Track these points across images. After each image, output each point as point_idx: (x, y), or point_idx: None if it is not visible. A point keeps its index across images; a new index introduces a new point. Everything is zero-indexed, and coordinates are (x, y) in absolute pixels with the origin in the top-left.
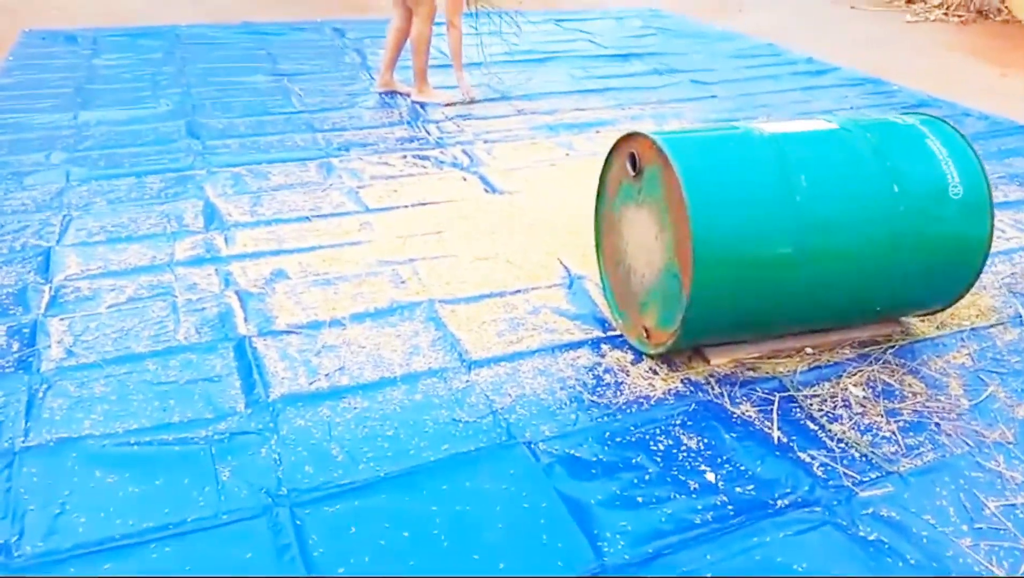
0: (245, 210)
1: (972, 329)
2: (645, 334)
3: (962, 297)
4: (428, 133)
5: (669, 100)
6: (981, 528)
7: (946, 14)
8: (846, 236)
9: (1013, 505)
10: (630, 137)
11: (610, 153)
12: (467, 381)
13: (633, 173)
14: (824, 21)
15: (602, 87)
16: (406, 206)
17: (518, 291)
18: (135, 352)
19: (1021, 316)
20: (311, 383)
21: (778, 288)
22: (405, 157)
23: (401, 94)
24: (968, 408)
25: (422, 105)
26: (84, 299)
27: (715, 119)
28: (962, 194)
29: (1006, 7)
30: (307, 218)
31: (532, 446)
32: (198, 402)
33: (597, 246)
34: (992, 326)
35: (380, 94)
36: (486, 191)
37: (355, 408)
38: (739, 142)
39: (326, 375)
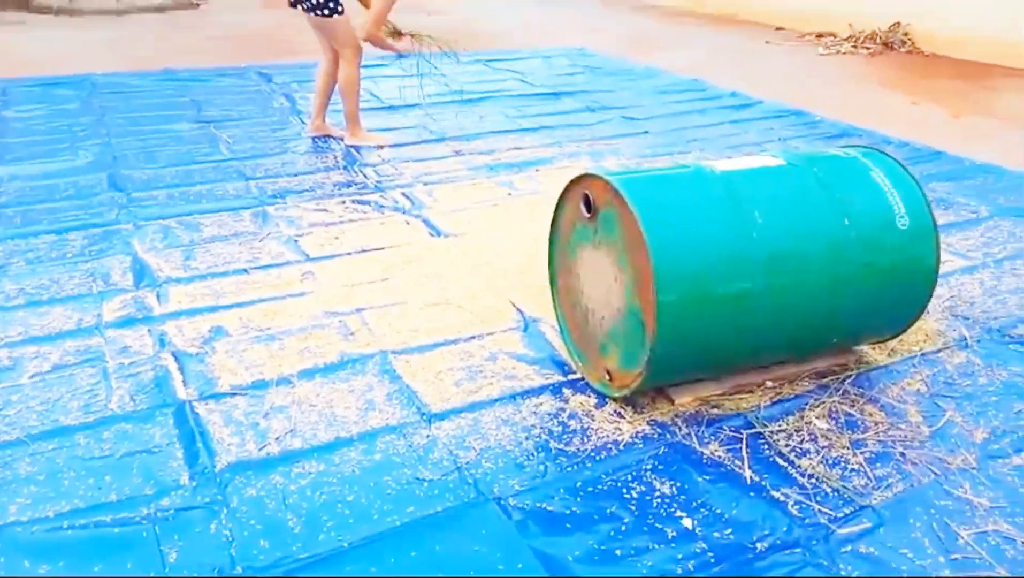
0: (177, 265)
1: (922, 354)
2: (607, 377)
3: (913, 324)
4: (366, 177)
5: (604, 137)
6: (957, 558)
7: (855, 47)
8: (803, 270)
9: (984, 532)
10: (583, 178)
11: (563, 195)
12: (428, 436)
13: (588, 215)
14: (742, 56)
15: (537, 125)
16: (349, 253)
17: (473, 337)
18: (64, 425)
19: (966, 339)
20: (261, 448)
21: (740, 325)
22: (344, 202)
23: (334, 138)
24: (929, 435)
25: (357, 149)
26: (4, 369)
27: (650, 154)
28: (908, 225)
29: (909, 39)
30: (245, 270)
31: (502, 502)
32: (137, 477)
33: (552, 288)
34: (940, 350)
35: (313, 139)
36: (431, 234)
37: (310, 473)
38: (692, 181)
39: (276, 439)
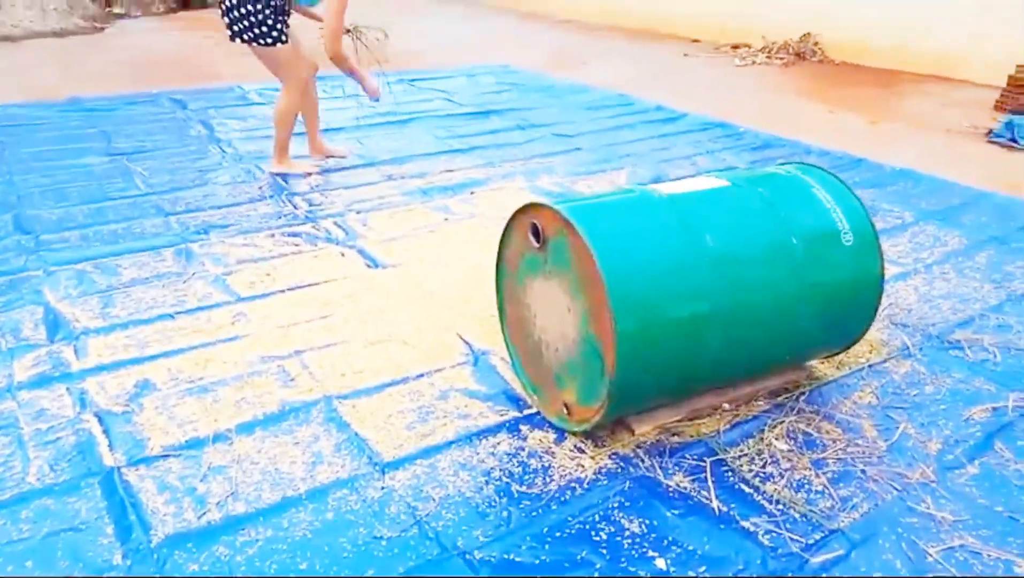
0: (95, 313)
1: (870, 366)
2: (565, 410)
3: (861, 337)
4: (295, 207)
5: (536, 155)
6: None
7: (769, 57)
8: (756, 291)
9: (952, 549)
10: (530, 208)
11: (509, 224)
12: (382, 488)
13: (537, 245)
14: (662, 69)
15: (468, 146)
16: (282, 291)
17: (421, 375)
18: None
19: (908, 347)
20: (201, 516)
21: (697, 350)
22: (273, 236)
23: (336, 156)
24: (886, 449)
25: (283, 177)
26: None
27: (584, 172)
28: (853, 240)
29: (820, 49)
30: (170, 316)
31: (467, 557)
32: (63, 560)
33: (502, 320)
34: (886, 361)
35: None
36: (368, 266)
37: (257, 540)
38: (641, 206)
39: (217, 504)
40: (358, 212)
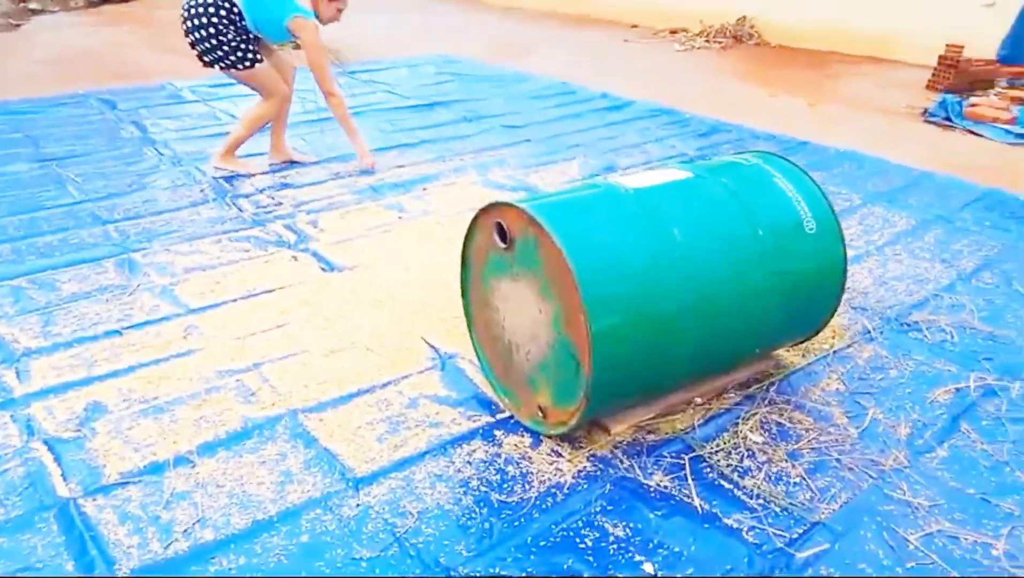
0: (36, 332)
1: (834, 352)
2: (540, 413)
3: (827, 323)
4: (240, 210)
5: (486, 148)
6: (912, 566)
7: (708, 41)
8: (726, 283)
9: (930, 534)
10: (495, 207)
11: (473, 224)
12: (358, 505)
13: (504, 245)
14: (604, 56)
15: (416, 140)
16: (235, 300)
17: (388, 383)
18: None
19: (869, 331)
20: (167, 546)
21: (671, 346)
22: (220, 241)
23: (296, 162)
24: (858, 436)
25: (227, 179)
26: None
27: (535, 164)
28: (815, 228)
29: (756, 32)
30: (117, 332)
31: (451, 573)
32: None
33: (469, 324)
34: (849, 346)
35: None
36: (323, 269)
37: (229, 568)
38: (607, 202)
39: (184, 532)
40: (308, 213)
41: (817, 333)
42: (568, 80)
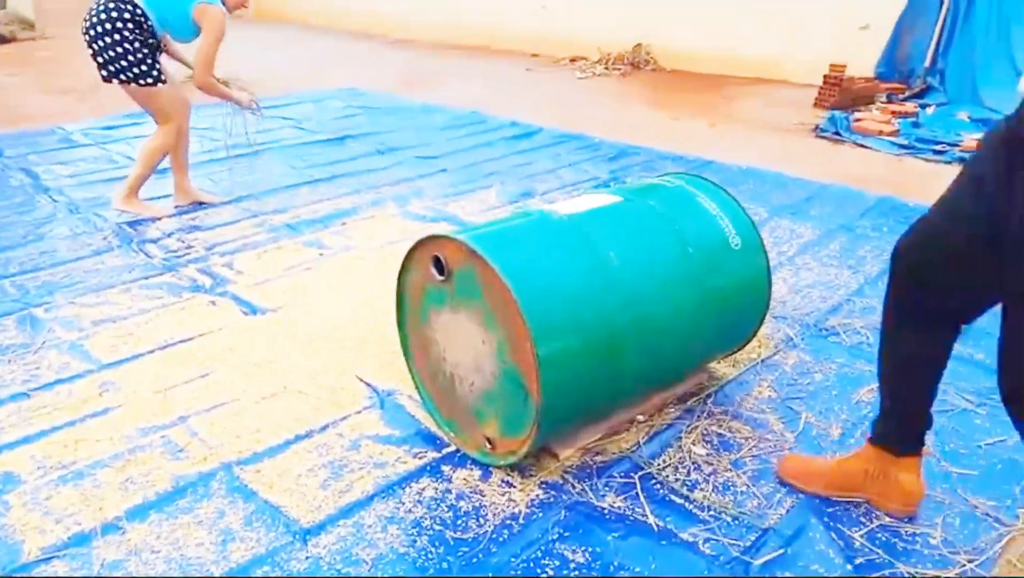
0: None
1: (762, 361)
2: (488, 445)
3: (756, 333)
4: (149, 256)
5: (402, 179)
6: (861, 563)
7: (607, 68)
8: (663, 302)
9: (873, 530)
10: (430, 240)
11: (407, 258)
12: (307, 558)
13: (441, 277)
14: (509, 85)
15: (329, 175)
16: (151, 351)
17: (326, 426)
18: None
19: (791, 338)
20: None
21: (615, 367)
22: (130, 290)
23: (203, 203)
24: (794, 441)
25: (131, 225)
26: None
27: (454, 193)
28: (740, 244)
29: (652, 58)
30: (24, 394)
31: None
32: None
33: (408, 359)
34: (775, 354)
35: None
36: (245, 313)
37: None
38: (542, 229)
39: None
40: (222, 255)
41: (747, 343)
42: (476, 110)
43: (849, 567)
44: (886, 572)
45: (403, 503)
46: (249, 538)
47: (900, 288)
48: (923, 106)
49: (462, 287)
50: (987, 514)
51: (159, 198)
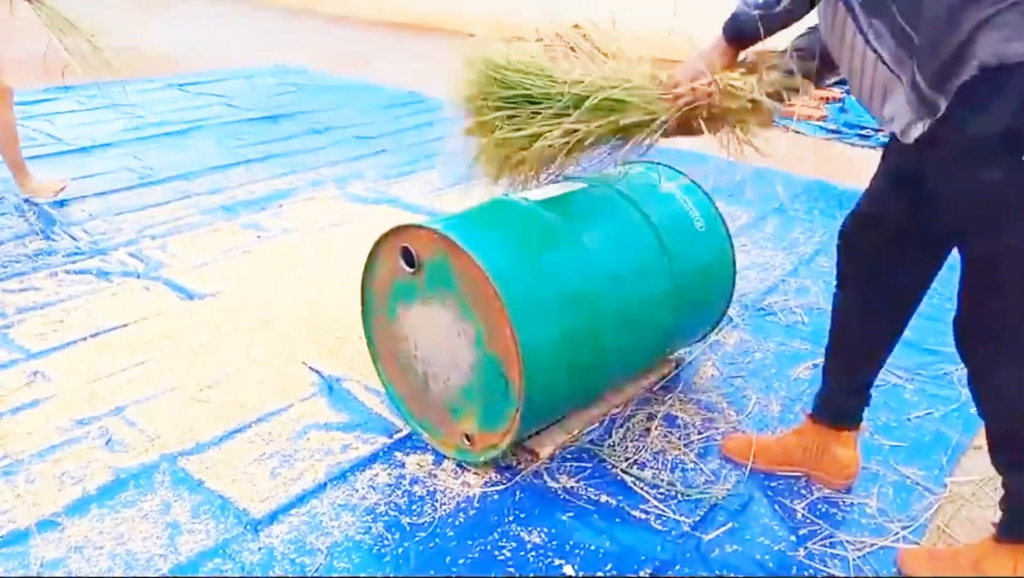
0: None
1: (706, 341)
2: (466, 441)
3: (725, 315)
4: (74, 238)
5: (342, 160)
6: (804, 533)
7: (546, 47)
8: (639, 285)
9: (813, 502)
10: (399, 231)
11: (373, 251)
12: (260, 549)
13: (411, 269)
14: (448, 64)
15: (263, 155)
16: (83, 338)
17: (271, 414)
18: None
19: (731, 318)
20: None
21: (597, 354)
22: (56, 275)
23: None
24: (737, 418)
25: (55, 205)
26: None
27: (397, 174)
28: (705, 227)
29: (588, 40)
30: None
31: None
32: None
33: (374, 359)
34: (717, 333)
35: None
36: (181, 298)
37: None
38: (512, 215)
39: None
40: (153, 237)
41: (717, 326)
42: (415, 90)
43: (793, 538)
44: (826, 541)
45: (356, 490)
46: (198, 530)
47: (846, 267)
48: (848, 92)
49: (434, 279)
50: (917, 483)
51: (83, 177)
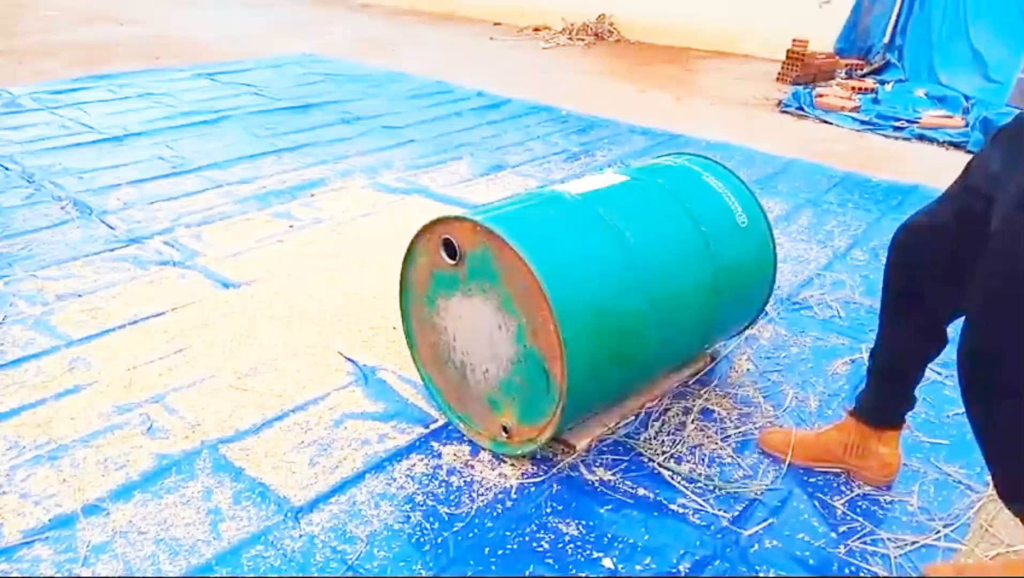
0: None
1: (741, 335)
2: (504, 434)
3: (763, 309)
4: (111, 228)
5: (370, 150)
6: (844, 530)
7: (570, 39)
8: (680, 280)
9: (853, 499)
10: (438, 223)
11: (413, 243)
12: (301, 536)
13: (452, 261)
14: (472, 54)
15: (294, 144)
16: (122, 326)
17: (309, 403)
18: None
19: (766, 312)
20: None
21: (638, 348)
22: (94, 263)
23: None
24: (775, 413)
25: (91, 192)
26: None
27: (425, 164)
28: (747, 222)
29: (616, 29)
30: None
31: None
32: None
33: (412, 350)
34: (753, 327)
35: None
36: (216, 287)
37: None
38: (557, 208)
39: None
40: (187, 226)
41: (755, 321)
42: (442, 79)
43: (833, 535)
44: (868, 538)
45: (394, 479)
46: (240, 517)
47: (895, 274)
48: (882, 82)
49: (476, 270)
50: (959, 482)
51: (116, 167)
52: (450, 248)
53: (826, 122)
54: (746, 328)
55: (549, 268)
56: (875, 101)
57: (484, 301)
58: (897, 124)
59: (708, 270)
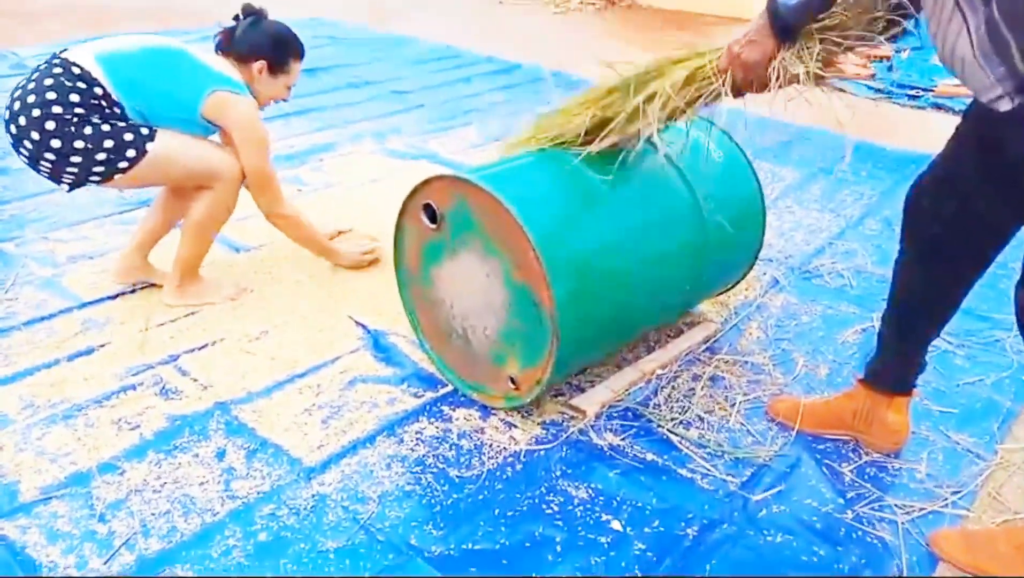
0: None
1: (749, 302)
2: (512, 385)
3: (752, 266)
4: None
5: (379, 115)
6: (852, 497)
7: (582, 3)
8: (664, 230)
9: (861, 466)
10: (415, 192)
11: (399, 223)
12: (313, 495)
13: (434, 225)
14: (482, 18)
15: (302, 108)
16: (133, 289)
17: (319, 366)
18: None
19: (777, 280)
20: (108, 561)
21: (623, 274)
22: (104, 225)
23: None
24: (784, 380)
25: None
26: None
27: (434, 130)
28: (722, 155)
29: None
30: (3, 331)
31: (426, 554)
32: None
33: (417, 334)
34: (764, 294)
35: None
36: (226, 250)
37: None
38: (529, 157)
39: (126, 544)
40: None
41: (743, 276)
42: (451, 44)
43: (840, 501)
44: (876, 504)
45: (404, 442)
46: (253, 476)
47: (911, 232)
48: (897, 50)
49: (458, 226)
50: (968, 450)
51: None
52: (431, 213)
53: (840, 90)
54: (747, 270)
55: (519, 197)
56: (890, 69)
57: (469, 253)
58: (912, 92)
59: (695, 217)
